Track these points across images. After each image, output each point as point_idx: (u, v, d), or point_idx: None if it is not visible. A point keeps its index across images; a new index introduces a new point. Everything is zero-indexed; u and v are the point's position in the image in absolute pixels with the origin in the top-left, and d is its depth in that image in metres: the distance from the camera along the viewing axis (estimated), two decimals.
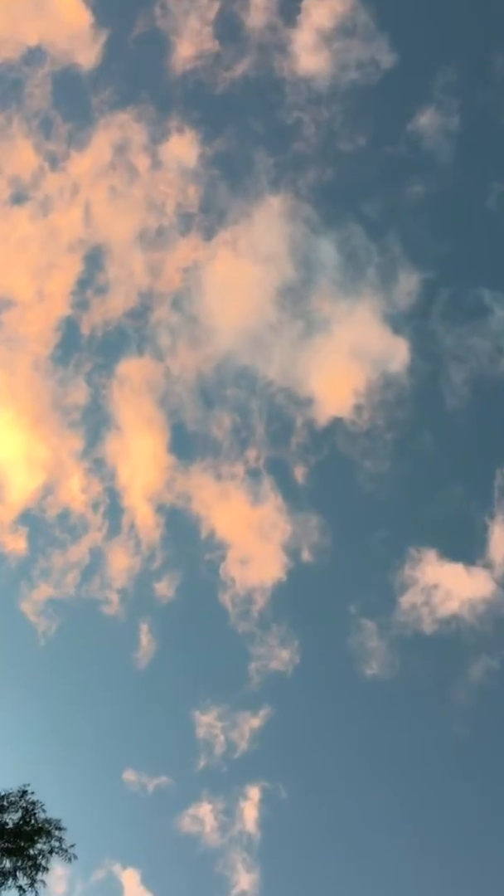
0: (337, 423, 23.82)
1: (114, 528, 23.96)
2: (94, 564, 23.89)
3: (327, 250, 24.63)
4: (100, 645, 24.07)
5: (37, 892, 11.74)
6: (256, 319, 24.24)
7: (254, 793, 22.66)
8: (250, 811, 22.62)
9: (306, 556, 23.37)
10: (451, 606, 22.90)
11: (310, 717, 23.02)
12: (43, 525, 24.28)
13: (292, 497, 23.68)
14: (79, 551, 23.98)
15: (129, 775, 23.04)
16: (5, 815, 12.04)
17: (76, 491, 24.08)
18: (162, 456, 24.04)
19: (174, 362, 24.43)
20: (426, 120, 25.38)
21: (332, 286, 24.50)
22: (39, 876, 11.75)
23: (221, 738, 22.80)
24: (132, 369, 24.54)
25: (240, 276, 24.62)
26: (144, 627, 23.59)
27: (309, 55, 25.68)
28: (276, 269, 24.58)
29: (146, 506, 23.84)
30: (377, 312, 24.32)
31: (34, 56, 25.91)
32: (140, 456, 23.97)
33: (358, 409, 23.89)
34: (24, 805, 12.27)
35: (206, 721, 22.98)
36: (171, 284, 24.89)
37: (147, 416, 24.15)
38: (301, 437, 23.99)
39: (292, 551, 23.39)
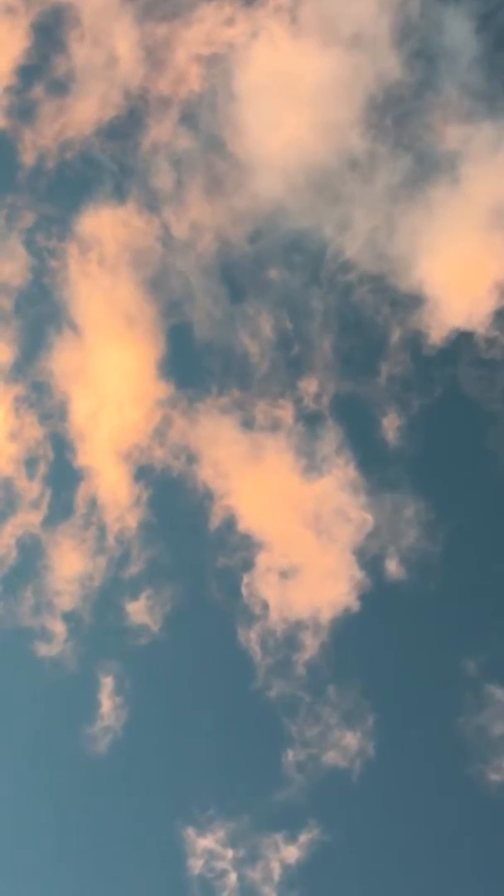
0: (462, 340, 18.79)
1: (61, 505, 19.24)
2: (25, 568, 19.17)
3: (459, 30, 19.10)
4: (30, 710, 19.21)
5: None
6: (328, 151, 19.04)
7: None
8: None
9: (395, 569, 18.41)
10: None
11: (389, 846, 18.10)
12: None
13: (377, 465, 18.76)
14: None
15: None
16: None
17: (0, 436, 19.49)
18: (150, 382, 19.20)
19: (179, 218, 19.25)
20: None
21: (465, 96, 18.91)
22: None
23: (233, 876, 18.11)
24: (104, 226, 19.39)
25: (302, 73, 19.18)
26: (108, 682, 18.79)
27: None
28: (366, 62, 19.03)
29: (118, 467, 19.09)
30: None
31: None
32: (111, 379, 19.25)
33: (501, 316, 18.84)
34: None
35: (207, 847, 18.21)
36: (183, 83, 19.53)
37: (127, 309, 19.21)
38: (397, 363, 18.89)
39: (372, 560, 18.52)
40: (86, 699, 18.51)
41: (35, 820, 18.56)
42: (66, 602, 18.62)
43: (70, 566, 18.76)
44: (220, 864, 17.72)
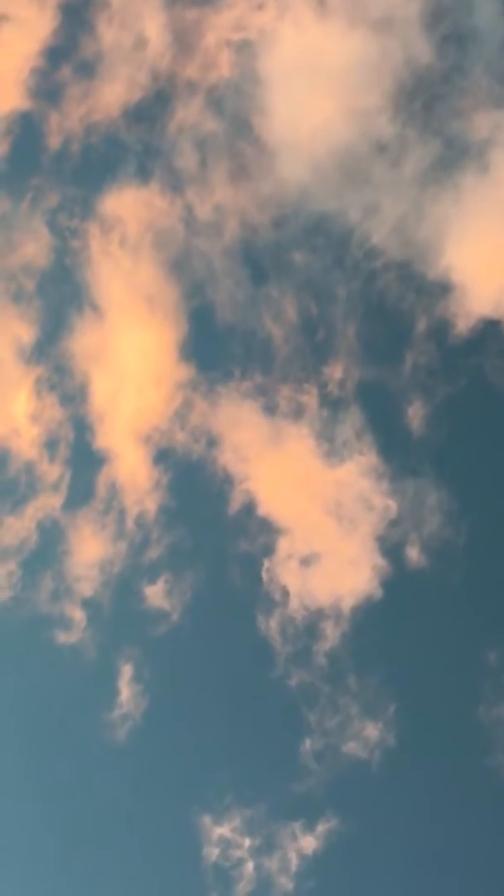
0: (490, 329, 18.40)
1: (81, 489, 18.92)
2: (45, 553, 18.85)
3: (490, 13, 18.54)
4: (48, 697, 18.89)
5: None
6: (355, 136, 18.58)
7: None
8: None
9: (417, 557, 18.12)
10: None
11: (409, 838, 17.76)
12: None
13: (400, 452, 18.44)
14: (19, 528, 18.89)
15: None
16: None
17: (20, 418, 19.06)
18: (171, 364, 18.85)
19: (203, 200, 18.97)
20: None
21: (495, 81, 18.43)
22: None
23: (249, 865, 17.77)
24: (127, 207, 19.07)
25: (329, 57, 18.71)
26: (127, 670, 18.47)
27: None
28: (394, 46, 18.60)
29: (138, 451, 18.76)
30: None
31: None
32: (132, 361, 18.91)
33: None
34: None
35: (223, 835, 17.92)
36: (211, 67, 19.19)
37: (149, 290, 18.85)
38: (423, 350, 18.52)
39: (394, 548, 18.19)
40: (105, 688, 18.20)
41: (52, 807, 18.30)
42: (85, 588, 18.36)
43: (90, 552, 18.47)
44: (236, 853, 17.46)
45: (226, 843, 17.47)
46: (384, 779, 17.55)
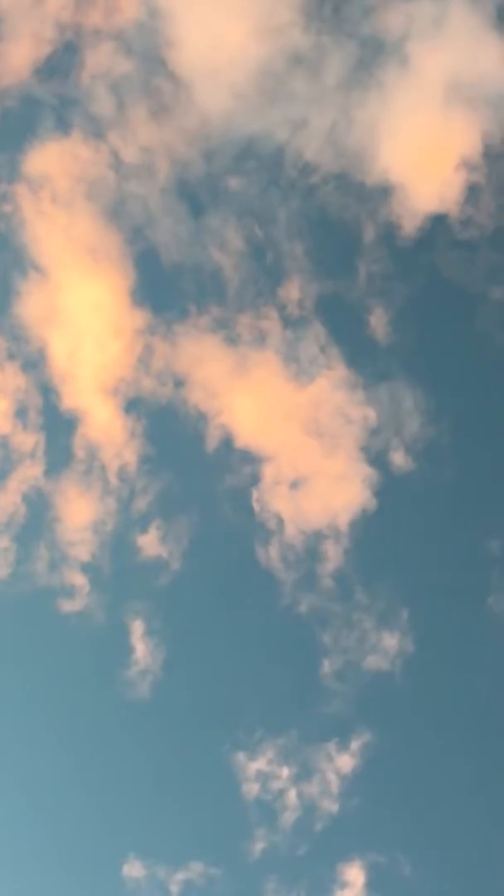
0: (436, 225, 18.03)
1: (59, 453, 18.46)
2: (36, 524, 18.36)
3: None
4: (65, 669, 18.46)
5: None
6: (271, 53, 17.97)
7: (355, 874, 17.41)
8: None
9: (404, 461, 17.85)
10: None
11: (445, 740, 17.63)
12: None
13: (369, 360, 18.07)
14: (6, 502, 18.38)
15: (134, 868, 17.70)
16: None
17: None
18: (125, 312, 18.33)
19: (128, 144, 18.45)
20: None
21: None
22: None
23: (292, 794, 17.48)
24: (53, 163, 18.48)
25: None
26: (137, 626, 18.08)
27: None
28: None
29: (108, 404, 18.32)
30: (490, 15, 17.73)
31: None
32: (86, 316, 18.39)
33: (472, 193, 17.90)
34: None
35: (259, 769, 17.60)
36: (114, 11, 18.57)
37: (90, 243, 18.34)
38: (374, 257, 18.08)
39: (380, 456, 17.89)
40: (118, 648, 17.84)
41: (88, 775, 17.86)
42: (81, 552, 17.94)
43: (79, 514, 18.01)
44: (276, 784, 17.18)
45: (264, 777, 17.23)
46: (409, 685, 17.40)
